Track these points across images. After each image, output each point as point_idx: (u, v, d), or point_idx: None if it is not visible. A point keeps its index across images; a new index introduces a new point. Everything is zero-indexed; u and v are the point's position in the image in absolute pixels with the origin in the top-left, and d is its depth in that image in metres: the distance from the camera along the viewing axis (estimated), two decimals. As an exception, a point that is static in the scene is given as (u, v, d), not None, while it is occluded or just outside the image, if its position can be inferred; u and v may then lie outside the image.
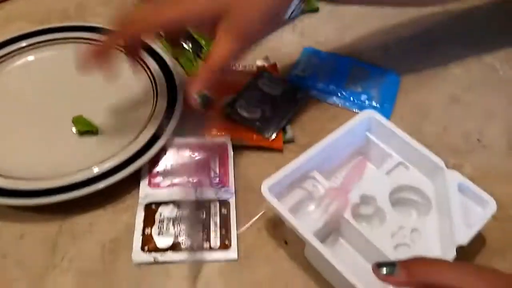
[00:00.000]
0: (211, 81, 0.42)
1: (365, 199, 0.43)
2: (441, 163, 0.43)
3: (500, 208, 0.46)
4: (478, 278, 0.31)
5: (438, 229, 0.42)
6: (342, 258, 0.37)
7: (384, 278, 0.32)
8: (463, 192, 0.42)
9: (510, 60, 0.60)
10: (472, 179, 0.43)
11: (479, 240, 0.44)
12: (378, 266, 0.33)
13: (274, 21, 0.45)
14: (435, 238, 0.41)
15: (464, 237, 0.39)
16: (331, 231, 0.43)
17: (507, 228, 0.45)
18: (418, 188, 0.44)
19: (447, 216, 0.41)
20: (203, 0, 0.41)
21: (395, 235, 0.41)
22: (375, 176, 0.45)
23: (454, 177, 0.42)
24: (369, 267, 0.34)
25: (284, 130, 0.51)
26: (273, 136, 0.50)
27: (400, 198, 0.44)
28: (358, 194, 0.43)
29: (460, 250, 0.39)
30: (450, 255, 0.38)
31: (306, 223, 0.40)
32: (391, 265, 0.33)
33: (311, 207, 0.44)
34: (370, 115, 0.46)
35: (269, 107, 0.52)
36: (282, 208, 0.39)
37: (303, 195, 0.44)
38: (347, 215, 0.41)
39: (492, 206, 0.41)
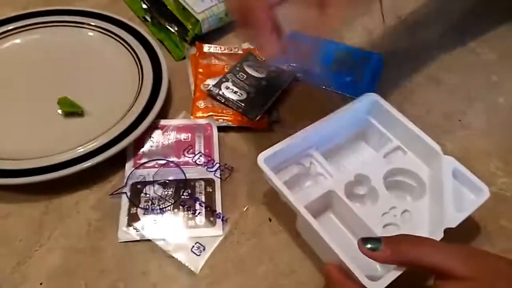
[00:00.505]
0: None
1: (360, 179, 0.44)
2: (438, 149, 0.43)
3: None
4: (463, 261, 0.31)
5: (430, 212, 0.42)
6: (331, 232, 0.38)
7: (368, 253, 0.33)
8: (457, 178, 0.43)
9: (490, 43, 0.61)
10: (453, 157, 0.43)
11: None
12: (363, 240, 0.33)
13: None
14: (425, 220, 0.42)
15: (453, 220, 0.39)
16: (325, 208, 0.44)
17: (487, 204, 0.46)
18: (413, 172, 0.44)
19: (439, 200, 0.41)
20: None
21: (386, 214, 0.42)
22: (373, 158, 0.46)
23: (450, 163, 0.43)
24: (355, 244, 0.35)
25: (269, 111, 0.52)
26: (258, 117, 0.51)
27: (395, 181, 0.45)
28: (353, 173, 0.43)
29: (448, 232, 0.39)
30: (438, 236, 0.38)
31: (300, 196, 0.41)
32: (376, 240, 0.33)
33: (307, 183, 0.45)
34: (373, 98, 0.46)
35: (255, 89, 0.53)
36: (276, 180, 0.40)
37: (300, 170, 0.44)
38: (340, 192, 0.42)
39: (485, 194, 0.41)
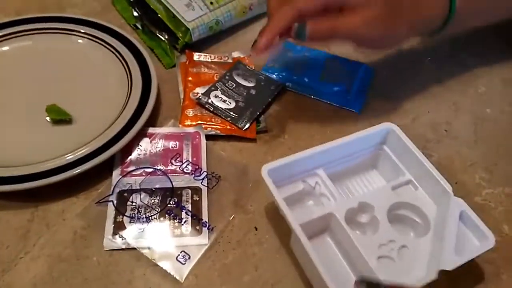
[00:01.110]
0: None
1: (363, 207, 0.43)
2: (449, 189, 0.43)
3: (466, 195, 0.48)
4: None
5: (430, 251, 0.41)
6: (324, 255, 0.37)
7: None
8: (464, 221, 0.42)
9: (478, 55, 0.61)
10: (439, 168, 0.44)
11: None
12: (361, 280, 0.33)
13: None
14: (423, 259, 0.40)
15: (450, 263, 0.38)
16: (323, 230, 0.43)
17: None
18: (420, 209, 0.43)
19: (441, 240, 0.40)
20: None
21: (383, 246, 0.41)
22: (381, 188, 0.46)
23: (459, 205, 0.42)
24: (347, 271, 0.34)
25: (257, 120, 0.52)
26: (247, 126, 0.51)
27: (400, 215, 0.44)
28: (358, 200, 0.43)
29: (445, 274, 0.39)
30: (431, 276, 0.38)
31: (299, 214, 0.40)
32: (375, 285, 0.33)
33: (310, 201, 0.45)
34: (390, 127, 0.46)
35: (243, 98, 0.53)
36: (277, 193, 0.40)
37: (305, 188, 0.44)
38: (340, 216, 0.41)
39: (490, 242, 0.40)
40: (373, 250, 0.40)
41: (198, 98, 0.52)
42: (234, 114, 0.52)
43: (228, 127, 0.51)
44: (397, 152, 0.46)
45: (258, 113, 0.53)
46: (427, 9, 0.47)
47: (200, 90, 0.54)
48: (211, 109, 0.52)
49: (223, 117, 0.52)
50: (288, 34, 0.46)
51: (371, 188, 0.47)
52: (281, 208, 0.39)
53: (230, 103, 0.52)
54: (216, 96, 0.53)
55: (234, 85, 0.54)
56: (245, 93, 0.54)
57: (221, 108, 0.52)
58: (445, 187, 0.43)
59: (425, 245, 0.41)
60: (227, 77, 0.55)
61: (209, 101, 0.52)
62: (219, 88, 0.54)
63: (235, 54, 0.60)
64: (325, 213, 0.42)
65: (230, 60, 0.59)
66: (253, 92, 0.54)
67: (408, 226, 0.44)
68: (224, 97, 0.53)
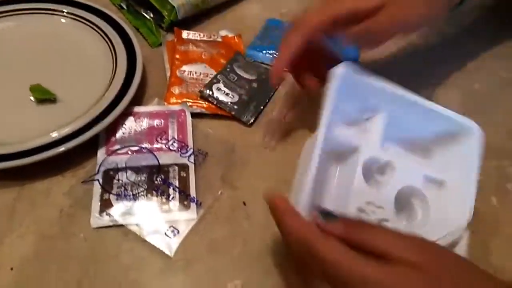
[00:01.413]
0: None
1: (386, 168, 0.43)
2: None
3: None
4: (413, 249, 0.31)
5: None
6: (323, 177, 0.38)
7: (321, 224, 0.33)
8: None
9: (472, 31, 0.61)
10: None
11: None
12: (320, 212, 0.33)
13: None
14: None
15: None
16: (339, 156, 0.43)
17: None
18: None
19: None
20: None
21: (369, 205, 0.40)
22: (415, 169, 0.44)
23: None
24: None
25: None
26: (251, 120, 0.50)
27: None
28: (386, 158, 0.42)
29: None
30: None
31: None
32: (333, 217, 0.33)
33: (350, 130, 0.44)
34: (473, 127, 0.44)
35: (246, 91, 0.53)
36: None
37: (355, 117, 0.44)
38: (364, 156, 0.41)
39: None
40: (359, 203, 0.40)
41: (201, 91, 0.51)
42: (238, 108, 0.51)
43: (213, 105, 0.51)
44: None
45: (262, 107, 0.52)
46: None
47: (187, 68, 0.54)
48: (214, 103, 0.51)
49: (226, 110, 0.51)
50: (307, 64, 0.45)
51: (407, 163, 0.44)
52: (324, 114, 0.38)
53: (233, 97, 0.51)
54: (218, 89, 0.52)
55: (236, 77, 0.54)
56: (247, 86, 0.53)
57: (225, 101, 0.51)
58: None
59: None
60: (228, 69, 0.54)
61: (213, 94, 0.51)
62: (221, 81, 0.53)
63: (223, 33, 0.59)
64: (352, 146, 0.42)
65: (219, 39, 0.58)
66: (255, 85, 0.53)
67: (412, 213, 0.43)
68: (227, 90, 0.52)
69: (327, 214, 0.34)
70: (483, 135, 0.41)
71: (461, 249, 0.37)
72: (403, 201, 0.42)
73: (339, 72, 0.40)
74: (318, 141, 0.38)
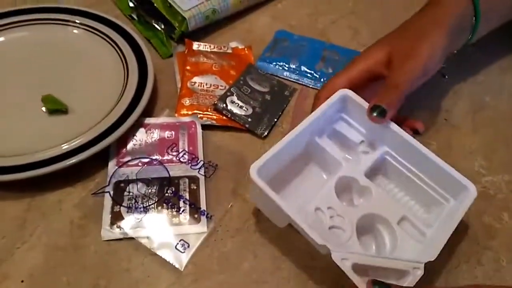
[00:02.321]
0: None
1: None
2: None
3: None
4: None
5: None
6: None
7: None
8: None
9: (481, 44, 0.61)
10: (438, 156, 0.43)
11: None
12: (374, 282, 0.34)
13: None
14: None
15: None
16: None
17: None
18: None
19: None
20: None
21: (330, 209, 0.41)
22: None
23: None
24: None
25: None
26: (265, 133, 0.50)
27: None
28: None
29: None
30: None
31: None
32: (386, 285, 0.34)
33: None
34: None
35: (259, 103, 0.53)
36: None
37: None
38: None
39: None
40: (321, 202, 0.41)
41: (215, 104, 0.51)
42: (252, 121, 0.51)
43: (224, 117, 0.51)
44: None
45: (275, 120, 0.52)
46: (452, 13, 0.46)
47: (198, 80, 0.54)
48: (228, 116, 0.51)
49: (240, 123, 0.51)
50: None
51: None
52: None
53: (247, 109, 0.51)
54: (232, 102, 0.52)
55: (249, 90, 0.53)
56: (260, 99, 0.53)
57: (239, 114, 0.51)
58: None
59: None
60: (241, 82, 0.54)
61: (227, 107, 0.51)
62: (235, 93, 0.53)
63: (233, 44, 0.59)
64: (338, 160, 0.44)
65: (229, 51, 0.59)
66: (268, 97, 0.54)
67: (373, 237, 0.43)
68: (240, 103, 0.52)
69: (379, 283, 0.34)
70: (476, 196, 0.41)
71: (410, 283, 0.37)
72: (370, 225, 0.42)
73: (343, 92, 0.43)
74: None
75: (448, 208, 0.42)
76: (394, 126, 0.43)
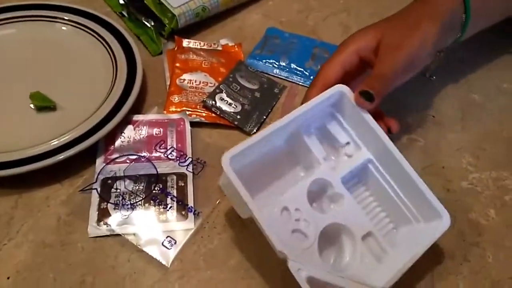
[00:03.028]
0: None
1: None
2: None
3: (452, 180, 0.48)
4: None
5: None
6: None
7: None
8: None
9: (468, 43, 0.61)
10: (426, 152, 0.43)
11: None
12: None
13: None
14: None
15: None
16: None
17: (458, 198, 0.47)
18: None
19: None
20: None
21: (298, 211, 0.40)
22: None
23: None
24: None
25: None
26: (254, 130, 0.50)
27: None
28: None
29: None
30: None
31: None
32: None
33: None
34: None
35: (249, 101, 0.53)
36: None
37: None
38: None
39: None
40: (291, 202, 0.40)
41: (204, 101, 0.51)
42: (241, 118, 0.51)
43: (213, 114, 0.51)
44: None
45: (264, 117, 0.52)
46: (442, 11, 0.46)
47: (187, 77, 0.54)
48: (217, 113, 0.51)
49: (229, 120, 0.51)
50: None
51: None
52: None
53: (236, 106, 0.51)
54: (221, 99, 0.52)
55: (239, 87, 0.53)
56: (249, 96, 0.53)
57: (228, 111, 0.51)
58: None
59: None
60: (230, 79, 0.54)
61: (215, 104, 0.51)
62: (224, 91, 0.53)
63: (223, 42, 0.59)
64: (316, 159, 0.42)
65: (219, 48, 0.59)
66: (257, 95, 0.54)
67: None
68: (229, 100, 0.52)
69: None
70: (448, 227, 0.40)
71: None
72: (334, 234, 0.41)
73: (340, 88, 0.42)
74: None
75: (417, 231, 0.41)
76: (383, 136, 0.42)
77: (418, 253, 0.38)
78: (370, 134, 0.42)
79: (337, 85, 0.43)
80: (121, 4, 0.61)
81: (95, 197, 0.43)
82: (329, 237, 0.41)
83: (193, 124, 0.50)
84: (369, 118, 0.42)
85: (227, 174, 0.37)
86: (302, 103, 0.43)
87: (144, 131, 0.48)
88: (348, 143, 0.44)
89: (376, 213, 0.43)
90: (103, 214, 0.43)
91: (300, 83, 0.56)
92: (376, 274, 0.39)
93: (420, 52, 0.44)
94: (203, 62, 0.56)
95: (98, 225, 0.42)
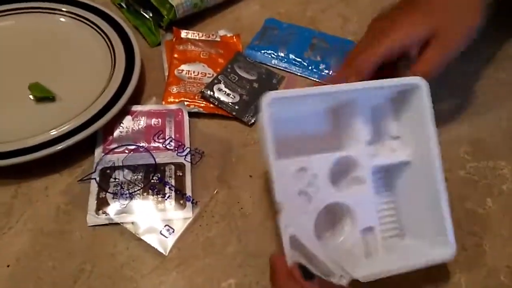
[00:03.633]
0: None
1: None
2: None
3: (449, 169, 0.48)
4: None
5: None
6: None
7: (297, 277, 0.33)
8: None
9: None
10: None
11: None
12: (300, 266, 0.34)
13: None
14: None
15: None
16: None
17: (455, 187, 0.47)
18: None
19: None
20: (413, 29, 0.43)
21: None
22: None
23: None
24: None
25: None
26: (252, 120, 0.50)
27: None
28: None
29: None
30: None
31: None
32: (310, 275, 0.33)
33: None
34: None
35: (247, 91, 0.53)
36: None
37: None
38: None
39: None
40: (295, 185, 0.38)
41: (202, 91, 0.51)
42: (239, 109, 0.51)
43: (211, 105, 0.51)
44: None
45: None
46: None
47: (185, 67, 0.54)
48: (215, 103, 0.51)
49: (228, 111, 0.51)
50: None
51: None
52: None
53: (234, 97, 0.51)
54: (219, 90, 0.52)
55: (237, 78, 0.54)
56: (248, 86, 0.53)
57: (226, 102, 0.51)
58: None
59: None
60: (228, 70, 0.54)
61: (214, 94, 0.51)
62: (222, 81, 0.53)
63: (222, 33, 0.59)
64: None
65: (217, 39, 0.59)
66: (255, 85, 0.54)
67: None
68: (227, 91, 0.52)
69: (305, 270, 0.34)
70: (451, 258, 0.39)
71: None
72: (338, 213, 0.41)
73: (413, 80, 0.40)
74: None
75: (419, 247, 0.40)
76: (435, 146, 0.40)
77: (408, 267, 0.38)
78: (422, 138, 0.40)
79: (415, 77, 0.40)
80: (120, -4, 0.61)
81: (94, 187, 0.44)
82: (332, 215, 0.41)
83: (191, 115, 0.50)
84: (430, 121, 0.40)
85: (261, 111, 0.36)
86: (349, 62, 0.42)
87: (142, 122, 0.49)
88: (398, 137, 0.42)
89: (387, 214, 0.43)
90: (102, 203, 0.43)
91: (299, 74, 0.56)
92: (358, 266, 0.38)
93: (468, 41, 0.44)
94: (202, 52, 0.56)
95: (97, 214, 0.42)
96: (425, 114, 0.40)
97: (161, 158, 0.46)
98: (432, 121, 0.40)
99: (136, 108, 0.49)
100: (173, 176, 0.45)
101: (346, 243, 0.40)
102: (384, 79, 0.39)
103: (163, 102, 0.51)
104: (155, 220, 0.43)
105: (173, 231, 0.42)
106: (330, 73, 0.55)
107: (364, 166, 0.40)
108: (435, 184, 0.39)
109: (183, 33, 0.58)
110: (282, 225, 0.34)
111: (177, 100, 0.51)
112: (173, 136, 0.48)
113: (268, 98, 0.36)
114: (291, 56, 0.57)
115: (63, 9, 0.56)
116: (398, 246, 0.41)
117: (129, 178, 0.44)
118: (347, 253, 0.39)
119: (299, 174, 0.38)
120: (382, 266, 0.38)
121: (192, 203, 0.44)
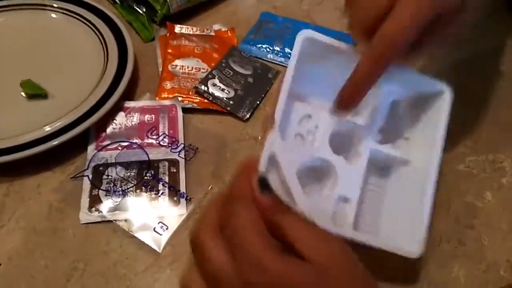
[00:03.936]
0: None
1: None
2: None
3: (448, 162, 0.47)
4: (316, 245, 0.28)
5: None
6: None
7: (254, 187, 0.30)
8: None
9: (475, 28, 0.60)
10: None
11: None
12: (260, 179, 0.30)
13: None
14: None
15: None
16: None
17: (454, 180, 0.46)
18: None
19: None
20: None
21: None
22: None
23: None
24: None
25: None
26: (247, 115, 0.50)
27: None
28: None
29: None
30: None
31: None
32: (268, 188, 0.30)
33: None
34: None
35: (242, 86, 0.52)
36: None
37: None
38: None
39: None
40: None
41: (196, 87, 0.51)
42: (234, 104, 0.50)
43: (205, 100, 0.50)
44: None
45: (258, 102, 0.51)
46: None
47: (179, 63, 0.53)
48: (210, 98, 0.50)
49: (222, 106, 0.50)
50: None
51: None
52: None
53: (229, 92, 0.51)
54: (214, 85, 0.51)
55: (232, 73, 0.53)
56: (242, 81, 0.52)
57: (220, 97, 0.50)
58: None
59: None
60: (223, 65, 0.53)
61: (208, 90, 0.51)
62: (217, 76, 0.52)
63: (216, 27, 0.59)
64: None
65: (212, 33, 0.58)
66: (250, 80, 0.53)
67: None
68: (222, 86, 0.51)
69: (264, 183, 0.32)
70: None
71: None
72: (323, 175, 0.40)
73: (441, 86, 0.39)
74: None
75: (386, 236, 0.39)
76: (438, 154, 0.39)
77: (369, 242, 0.36)
78: (430, 143, 0.39)
79: (441, 83, 0.40)
80: (113, -9, 0.60)
81: (86, 184, 0.43)
82: (314, 174, 0.39)
83: (185, 110, 0.49)
84: (443, 130, 0.39)
85: (295, 46, 0.37)
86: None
87: (136, 118, 0.48)
88: (407, 138, 0.41)
89: (369, 195, 0.42)
90: (95, 201, 0.42)
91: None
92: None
93: None
94: (196, 47, 0.55)
95: (89, 211, 0.42)
96: (440, 122, 0.39)
97: (155, 154, 0.45)
98: (445, 130, 0.39)
99: (129, 104, 0.49)
100: (167, 173, 0.44)
101: (318, 204, 0.38)
102: (416, 73, 0.39)
103: (157, 98, 0.50)
104: (149, 217, 0.42)
105: (167, 228, 0.41)
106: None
107: (366, 143, 0.40)
108: (425, 188, 0.38)
109: (177, 28, 0.57)
110: (270, 139, 0.32)
111: (171, 96, 0.50)
112: (166, 132, 0.47)
113: (302, 34, 0.38)
114: (287, 50, 0.56)
115: (55, 5, 0.55)
116: (366, 227, 0.40)
117: (122, 175, 0.44)
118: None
119: (303, 120, 0.39)
120: (344, 232, 0.35)
121: (186, 199, 0.43)
